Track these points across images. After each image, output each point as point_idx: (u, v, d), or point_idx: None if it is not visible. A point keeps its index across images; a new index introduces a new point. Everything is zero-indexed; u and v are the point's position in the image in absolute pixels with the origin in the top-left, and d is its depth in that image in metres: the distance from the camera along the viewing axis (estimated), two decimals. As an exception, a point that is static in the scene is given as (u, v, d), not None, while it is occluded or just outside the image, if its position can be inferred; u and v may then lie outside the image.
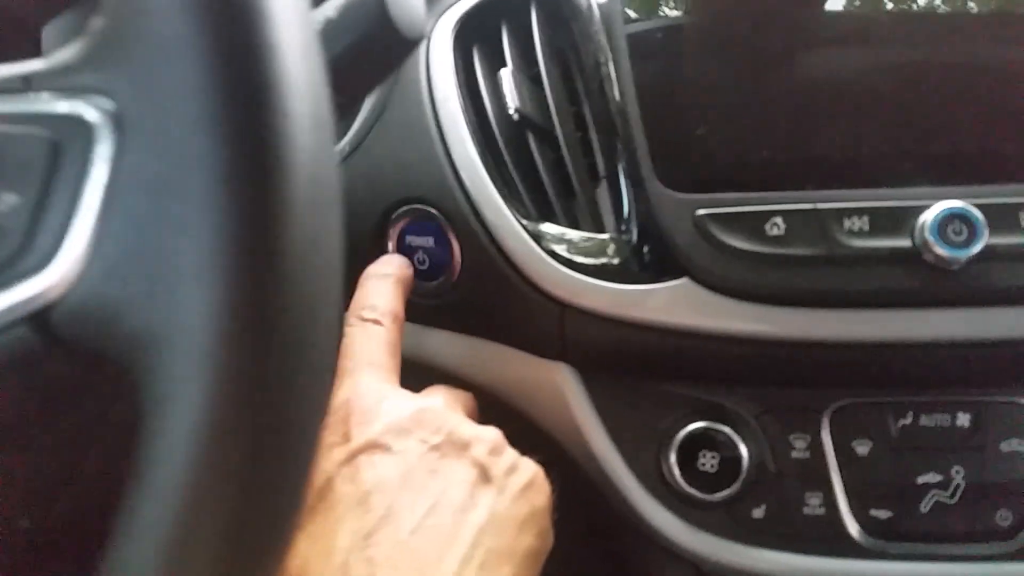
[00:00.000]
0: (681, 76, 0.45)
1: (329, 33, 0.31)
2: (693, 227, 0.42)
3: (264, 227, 0.20)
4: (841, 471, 0.44)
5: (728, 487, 0.44)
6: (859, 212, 0.41)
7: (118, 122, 0.21)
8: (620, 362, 0.46)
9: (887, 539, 0.43)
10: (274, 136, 0.20)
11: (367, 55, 0.32)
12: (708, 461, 0.44)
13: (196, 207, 0.20)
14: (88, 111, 0.20)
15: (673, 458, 0.44)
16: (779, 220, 0.41)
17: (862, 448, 0.43)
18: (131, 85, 0.21)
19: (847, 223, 0.41)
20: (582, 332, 0.45)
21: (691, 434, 0.45)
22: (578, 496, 0.44)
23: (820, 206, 0.41)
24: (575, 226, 0.46)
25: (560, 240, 0.45)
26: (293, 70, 0.21)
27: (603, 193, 0.47)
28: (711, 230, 0.42)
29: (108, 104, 0.21)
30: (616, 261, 0.44)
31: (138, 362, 0.20)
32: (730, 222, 0.42)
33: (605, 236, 0.45)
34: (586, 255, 0.45)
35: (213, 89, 0.20)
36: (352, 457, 0.35)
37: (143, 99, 0.20)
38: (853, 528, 0.43)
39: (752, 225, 0.42)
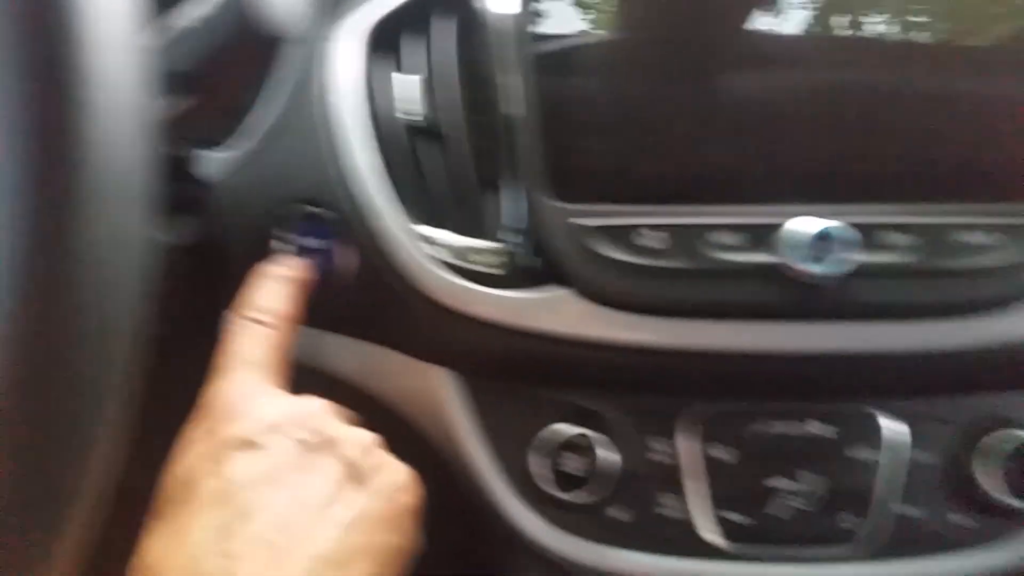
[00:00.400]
0: (569, 91, 0.47)
1: (199, 32, 0.32)
2: (570, 237, 0.44)
3: (52, 223, 0.20)
4: (699, 475, 0.46)
5: (589, 489, 0.45)
6: (729, 228, 0.43)
7: None
8: (497, 367, 0.47)
9: (741, 542, 0.45)
10: (70, 132, 0.20)
11: (237, 55, 0.32)
12: (572, 464, 0.46)
13: None
14: None
15: (539, 460, 0.46)
16: (652, 233, 0.43)
17: (719, 453, 0.46)
18: None
19: (717, 238, 0.43)
20: (463, 338, 0.46)
21: (558, 437, 0.46)
22: (452, 501, 0.45)
23: (691, 221, 0.43)
24: (463, 232, 0.47)
25: (444, 245, 0.46)
26: (100, 68, 0.20)
27: (493, 200, 0.48)
28: (587, 241, 0.44)
29: None
30: (498, 268, 0.46)
31: None
32: (605, 233, 0.44)
33: (488, 243, 0.46)
34: (469, 261, 0.46)
35: (12, 79, 0.19)
36: (218, 452, 0.35)
37: None
38: (708, 531, 0.46)
39: (626, 237, 0.44)
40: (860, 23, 0.47)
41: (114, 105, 0.21)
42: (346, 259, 0.48)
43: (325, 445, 0.37)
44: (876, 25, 0.47)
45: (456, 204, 0.48)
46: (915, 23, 0.47)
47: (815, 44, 0.47)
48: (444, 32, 0.51)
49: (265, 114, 0.51)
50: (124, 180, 0.22)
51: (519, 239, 0.46)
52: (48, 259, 0.20)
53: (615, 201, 0.44)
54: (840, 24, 0.47)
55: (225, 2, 0.32)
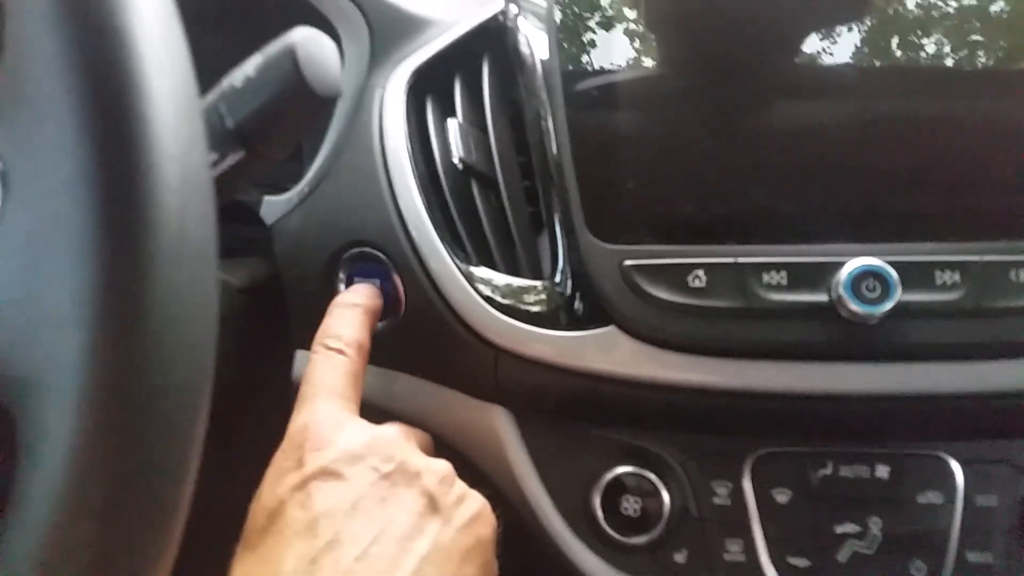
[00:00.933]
0: (614, 132, 0.47)
1: (248, 91, 0.34)
2: (620, 277, 0.44)
3: (127, 282, 0.22)
4: (761, 519, 0.44)
5: (650, 531, 0.45)
6: (778, 267, 0.42)
7: (2, 179, 0.23)
8: (551, 405, 0.47)
9: (806, 587, 0.44)
10: (139, 197, 0.22)
11: (284, 111, 0.34)
12: (631, 505, 0.45)
13: (67, 262, 0.21)
14: None
15: (598, 501, 0.45)
16: (701, 273, 0.43)
17: (782, 496, 0.44)
18: (13, 146, 0.23)
19: (766, 277, 0.42)
20: (515, 376, 0.47)
21: (616, 478, 0.46)
22: (512, 537, 0.45)
23: (740, 260, 0.43)
24: (515, 273, 0.47)
25: (496, 286, 0.47)
26: (163, 137, 0.23)
27: (544, 241, 0.49)
28: (637, 281, 0.43)
29: None
30: (549, 308, 0.46)
31: (14, 405, 0.22)
32: (655, 273, 0.43)
33: (539, 283, 0.47)
34: (521, 301, 0.46)
35: (86, 153, 0.22)
36: (305, 483, 0.36)
37: (24, 159, 0.22)
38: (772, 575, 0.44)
39: (675, 277, 0.43)
40: (910, 60, 0.46)
41: (177, 169, 0.23)
42: (398, 297, 0.48)
43: (405, 477, 0.38)
44: (928, 62, 0.46)
45: (507, 245, 0.49)
46: (966, 57, 0.46)
47: (864, 82, 0.46)
48: (491, 76, 0.52)
49: (322, 158, 0.52)
50: (191, 238, 0.23)
51: (566, 279, 0.46)
52: (124, 316, 0.22)
53: (662, 241, 0.44)
54: (892, 61, 0.46)
55: (270, 63, 0.34)
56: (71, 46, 0.22)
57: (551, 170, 0.47)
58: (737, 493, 0.45)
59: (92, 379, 0.21)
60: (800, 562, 0.44)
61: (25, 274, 0.22)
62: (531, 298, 0.46)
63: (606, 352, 0.44)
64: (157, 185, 0.22)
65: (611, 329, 0.44)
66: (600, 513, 0.45)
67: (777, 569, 0.44)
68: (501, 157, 0.50)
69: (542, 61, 0.48)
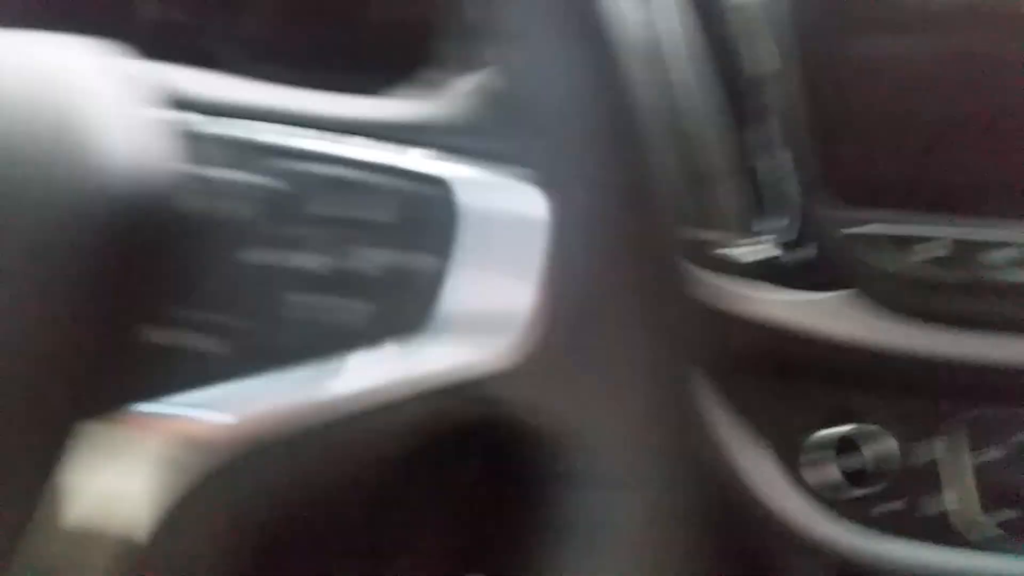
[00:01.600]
0: (857, 92, 0.46)
1: None
2: (856, 243, 0.43)
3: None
4: (972, 474, 0.46)
5: (864, 486, 0.46)
6: (1013, 244, 0.43)
7: (545, 194, 0.21)
8: (764, 367, 0.47)
9: (1014, 537, 0.46)
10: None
11: None
12: (845, 461, 0.46)
13: (627, 305, 0.20)
14: (512, 180, 0.20)
15: (810, 457, 0.46)
16: (937, 245, 0.43)
17: (993, 454, 0.46)
18: (549, 157, 0.21)
19: (1000, 254, 0.43)
20: (730, 338, 0.46)
21: (828, 435, 0.46)
22: (714, 496, 0.46)
23: (978, 235, 0.43)
24: (726, 228, 0.46)
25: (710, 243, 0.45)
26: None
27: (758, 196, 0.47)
28: (869, 248, 0.43)
29: (531, 175, 0.21)
30: (769, 266, 0.45)
31: (565, 438, 0.20)
32: (889, 243, 0.43)
33: (761, 240, 0.45)
34: (736, 258, 0.45)
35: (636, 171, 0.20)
36: None
37: (565, 174, 0.20)
38: (982, 526, 0.46)
39: (910, 247, 0.43)
40: None
41: None
42: None
43: None
44: None
45: (721, 198, 0.47)
46: None
47: None
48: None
49: None
50: None
51: (793, 238, 0.45)
52: None
53: (903, 209, 0.44)
54: None
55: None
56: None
57: (784, 124, 0.45)
58: (948, 450, 0.46)
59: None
60: (1009, 514, 0.46)
61: (581, 305, 0.20)
62: (750, 254, 0.45)
63: (836, 317, 0.44)
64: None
65: (847, 294, 0.44)
66: (813, 469, 0.46)
67: (986, 520, 0.46)
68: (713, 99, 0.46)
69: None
